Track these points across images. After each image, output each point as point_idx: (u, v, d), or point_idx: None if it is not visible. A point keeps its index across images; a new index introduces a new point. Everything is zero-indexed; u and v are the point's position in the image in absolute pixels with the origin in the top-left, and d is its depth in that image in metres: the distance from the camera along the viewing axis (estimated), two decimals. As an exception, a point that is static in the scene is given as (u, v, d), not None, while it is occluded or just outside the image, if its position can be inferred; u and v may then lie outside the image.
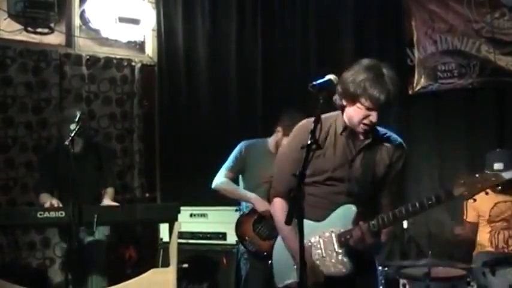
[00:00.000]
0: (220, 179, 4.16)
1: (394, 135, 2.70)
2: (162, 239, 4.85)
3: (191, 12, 5.73)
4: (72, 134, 3.75)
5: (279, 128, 4.08)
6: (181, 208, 4.02)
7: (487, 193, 2.49)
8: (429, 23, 5.41)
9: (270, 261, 2.83)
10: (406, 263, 4.36)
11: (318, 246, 2.63)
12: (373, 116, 2.49)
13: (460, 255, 4.69)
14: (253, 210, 4.04)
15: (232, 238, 4.65)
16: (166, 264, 4.21)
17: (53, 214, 3.76)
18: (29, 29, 5.05)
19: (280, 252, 2.74)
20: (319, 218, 2.64)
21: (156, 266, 4.66)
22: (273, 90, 5.76)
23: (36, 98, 5.06)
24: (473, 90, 5.28)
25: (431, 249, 4.20)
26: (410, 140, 4.83)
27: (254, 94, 5.79)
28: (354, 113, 2.52)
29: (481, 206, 4.31)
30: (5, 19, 4.97)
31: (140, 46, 5.70)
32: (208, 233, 4.84)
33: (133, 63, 5.58)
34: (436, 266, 3.95)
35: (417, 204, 2.50)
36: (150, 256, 4.98)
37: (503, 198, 4.29)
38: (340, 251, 2.59)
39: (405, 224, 4.85)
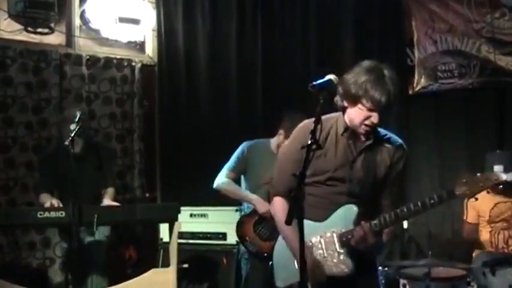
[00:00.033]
0: (221, 179, 4.16)
1: (395, 137, 2.71)
2: (162, 239, 4.85)
3: (191, 12, 5.73)
4: (72, 134, 3.75)
5: (281, 131, 4.07)
6: (182, 208, 4.03)
7: (488, 192, 2.51)
8: (429, 23, 5.42)
9: (270, 262, 2.83)
10: (406, 263, 4.36)
11: (319, 246, 2.63)
12: (375, 117, 2.50)
13: (460, 255, 4.70)
14: (254, 211, 4.04)
15: (232, 238, 4.66)
16: (166, 264, 4.21)
17: (53, 214, 3.76)
18: (29, 29, 5.05)
19: (281, 253, 2.74)
20: (319, 218, 2.64)
21: (156, 266, 4.66)
22: (273, 90, 5.76)
23: (36, 98, 5.06)
24: (473, 90, 5.28)
25: (432, 249, 4.21)
26: (410, 140, 4.84)
27: (254, 94, 5.79)
28: (355, 114, 2.53)
29: (481, 206, 4.31)
30: (5, 19, 4.97)
31: (140, 46, 5.70)
32: (209, 233, 4.84)
33: (133, 63, 5.58)
34: (436, 266, 3.95)
35: (419, 204, 2.52)
36: (150, 256, 4.98)
37: (503, 199, 4.29)
38: (341, 251, 2.59)
39: (405, 224, 4.85)
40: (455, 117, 5.40)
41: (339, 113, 2.66)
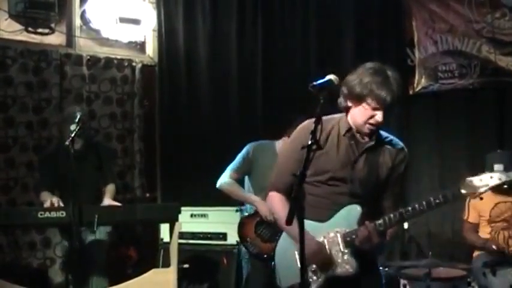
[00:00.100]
0: (224, 179, 4.16)
1: (396, 139, 2.73)
2: (162, 239, 4.85)
3: (192, 13, 5.73)
4: (73, 135, 3.75)
5: (286, 138, 4.05)
6: (182, 208, 4.01)
7: (496, 193, 2.53)
8: (430, 23, 5.42)
9: (272, 262, 2.83)
10: (407, 263, 4.37)
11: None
12: (379, 116, 2.52)
13: (460, 256, 4.70)
14: (257, 212, 4.04)
15: (232, 238, 4.66)
16: (166, 264, 4.21)
17: (53, 214, 3.76)
18: (30, 29, 5.05)
19: (283, 253, 2.74)
20: (322, 218, 2.64)
21: (157, 266, 4.65)
22: (273, 90, 5.77)
23: (36, 98, 5.06)
24: (473, 90, 5.28)
25: (432, 249, 4.21)
26: (410, 140, 4.85)
27: (254, 94, 5.79)
28: (360, 113, 2.55)
29: (481, 206, 4.31)
30: (5, 19, 4.97)
31: (141, 46, 5.70)
32: (209, 233, 4.84)
33: (133, 64, 5.58)
34: (437, 266, 3.95)
35: (424, 204, 2.53)
36: (151, 256, 4.98)
37: (503, 199, 4.29)
38: (346, 250, 2.59)
39: (406, 225, 4.85)
40: (455, 118, 5.41)
41: (342, 114, 2.68)
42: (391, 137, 2.73)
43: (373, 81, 2.48)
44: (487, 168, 4.24)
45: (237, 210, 4.60)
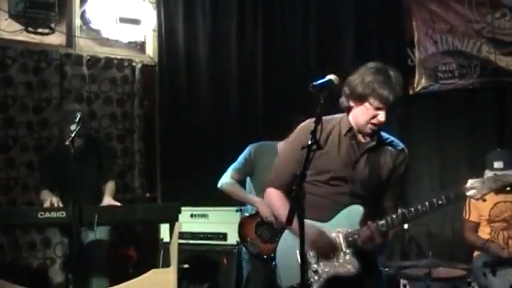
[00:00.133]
0: (226, 180, 4.16)
1: (397, 140, 2.74)
2: (162, 239, 4.84)
3: (192, 12, 5.73)
4: (73, 135, 3.75)
5: None
6: (182, 208, 4.02)
7: (496, 193, 2.53)
8: (430, 23, 5.42)
9: (273, 262, 2.83)
10: (407, 263, 4.36)
11: None
12: (382, 115, 2.52)
13: (460, 256, 4.70)
14: (257, 213, 4.04)
15: (232, 238, 4.66)
16: (166, 264, 4.21)
17: (53, 214, 3.76)
18: (30, 29, 5.05)
19: (285, 253, 2.74)
20: (324, 218, 2.64)
21: (157, 266, 4.65)
22: (273, 90, 5.77)
23: (36, 98, 5.07)
24: (473, 90, 5.28)
25: (432, 249, 4.21)
26: (410, 140, 4.85)
27: (254, 94, 5.79)
28: (362, 113, 2.56)
29: (481, 205, 4.31)
30: (5, 19, 4.97)
31: (141, 46, 5.70)
32: (209, 233, 4.83)
33: (134, 64, 5.58)
34: (437, 266, 3.95)
35: (427, 205, 2.54)
36: (151, 256, 4.97)
37: (503, 199, 4.28)
38: (348, 251, 2.59)
39: (406, 225, 4.85)
40: (455, 118, 5.40)
41: (343, 114, 2.68)
42: (392, 138, 2.74)
43: (375, 81, 2.49)
44: (487, 165, 4.26)
45: (237, 211, 4.60)
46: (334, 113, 2.70)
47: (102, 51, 5.47)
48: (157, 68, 5.71)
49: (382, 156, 2.66)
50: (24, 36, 5.06)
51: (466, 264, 4.19)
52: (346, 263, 2.59)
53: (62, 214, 3.74)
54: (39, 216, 3.75)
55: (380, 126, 2.59)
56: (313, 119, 2.38)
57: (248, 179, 4.22)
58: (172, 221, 3.93)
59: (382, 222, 2.56)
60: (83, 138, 4.18)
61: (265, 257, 3.89)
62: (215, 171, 4.26)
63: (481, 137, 5.20)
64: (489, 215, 4.33)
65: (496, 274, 4.03)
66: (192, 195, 5.20)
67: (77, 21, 5.35)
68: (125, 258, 5.16)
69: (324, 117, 2.42)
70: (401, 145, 2.73)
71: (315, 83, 2.37)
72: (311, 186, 2.59)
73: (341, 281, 2.58)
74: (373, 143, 2.64)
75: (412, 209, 2.55)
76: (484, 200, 2.56)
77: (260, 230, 4.02)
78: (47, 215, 3.75)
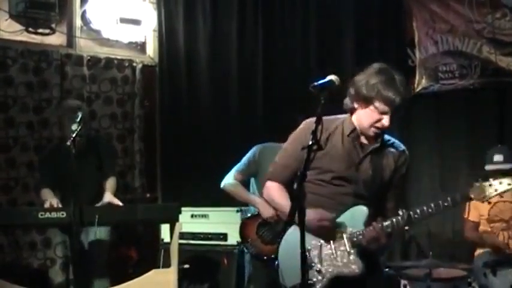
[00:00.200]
0: (228, 180, 4.16)
1: (398, 142, 2.76)
2: (163, 240, 4.84)
3: (192, 13, 5.74)
4: (74, 135, 3.75)
5: None
6: (183, 209, 4.01)
7: (501, 196, 2.53)
8: (430, 24, 5.42)
9: (276, 262, 2.83)
10: (407, 264, 4.37)
11: (328, 246, 2.63)
12: (386, 120, 2.53)
13: (461, 256, 4.70)
14: (259, 213, 4.04)
15: (233, 239, 4.66)
16: (167, 264, 4.21)
17: (54, 214, 3.76)
18: (30, 29, 5.05)
19: (287, 252, 2.73)
20: None
21: (157, 267, 4.65)
22: (273, 90, 5.77)
23: (37, 98, 5.06)
24: (474, 90, 5.28)
25: (432, 249, 4.21)
26: (411, 140, 4.86)
27: (255, 94, 5.80)
28: (366, 116, 2.56)
29: (481, 205, 4.31)
30: (6, 20, 4.97)
31: (141, 47, 5.70)
32: (209, 233, 4.83)
33: (134, 64, 5.58)
34: (437, 266, 3.95)
35: (433, 206, 2.54)
36: (151, 256, 4.97)
37: (503, 198, 4.28)
38: (352, 251, 2.59)
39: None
40: (456, 118, 5.41)
41: (346, 115, 2.69)
42: (393, 139, 2.75)
43: (380, 83, 2.49)
44: (487, 160, 4.30)
45: (237, 211, 4.60)
46: (334, 113, 2.70)
47: (103, 52, 5.47)
48: (157, 68, 5.71)
49: (385, 157, 2.67)
50: (24, 37, 5.05)
51: (466, 264, 4.19)
52: (350, 263, 2.59)
53: (63, 214, 3.74)
54: (39, 216, 3.75)
55: (384, 130, 2.59)
56: (314, 119, 2.38)
57: (252, 180, 4.22)
58: (173, 221, 3.93)
59: (388, 223, 2.56)
60: (83, 137, 4.17)
61: (265, 258, 3.89)
62: (215, 172, 4.27)
63: (481, 137, 5.20)
64: (488, 215, 4.34)
65: (496, 274, 4.04)
66: (193, 195, 5.20)
67: (78, 22, 5.34)
68: (126, 258, 5.16)
69: (326, 118, 2.42)
70: (402, 146, 2.75)
71: (315, 83, 2.37)
72: (315, 186, 2.59)
73: (344, 281, 2.58)
74: (377, 145, 2.65)
75: (418, 211, 2.55)
76: (489, 203, 2.57)
77: (261, 231, 4.02)
78: (48, 215, 3.75)
